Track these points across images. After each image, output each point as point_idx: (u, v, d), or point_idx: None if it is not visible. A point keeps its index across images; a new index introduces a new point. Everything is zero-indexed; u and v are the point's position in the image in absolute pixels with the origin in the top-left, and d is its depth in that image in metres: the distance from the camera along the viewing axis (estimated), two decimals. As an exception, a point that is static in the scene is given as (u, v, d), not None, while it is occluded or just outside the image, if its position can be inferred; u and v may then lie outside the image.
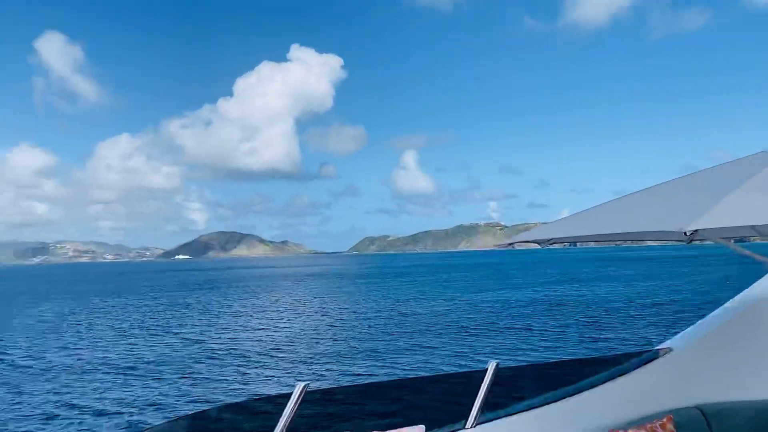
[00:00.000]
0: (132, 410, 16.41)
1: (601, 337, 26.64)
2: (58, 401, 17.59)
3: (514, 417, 4.16)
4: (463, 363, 21.83)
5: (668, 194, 3.65)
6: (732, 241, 4.99)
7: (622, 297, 45.24)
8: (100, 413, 16.18)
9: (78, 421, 15.50)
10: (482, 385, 3.94)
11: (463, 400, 3.97)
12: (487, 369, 3.95)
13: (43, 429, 14.87)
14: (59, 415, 16.05)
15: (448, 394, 4.47)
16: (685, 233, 2.84)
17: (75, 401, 17.52)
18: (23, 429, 14.88)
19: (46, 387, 19.59)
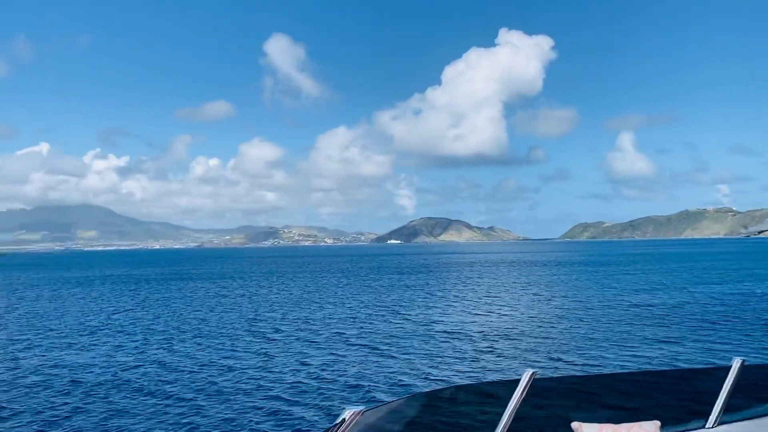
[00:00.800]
0: (370, 384, 17.26)
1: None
2: (304, 372, 19.09)
3: (761, 420, 3.84)
4: (702, 359, 20.17)
5: None
6: None
7: None
8: (344, 386, 17.24)
9: (325, 391, 16.67)
10: (725, 383, 3.69)
11: (704, 398, 3.76)
12: (731, 366, 3.71)
13: (296, 399, 16.19)
14: (306, 384, 17.38)
15: (687, 390, 4.16)
16: None
17: (319, 372, 18.88)
18: (283, 395, 16.35)
19: (294, 359, 21.40)
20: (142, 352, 23.10)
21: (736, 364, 3.72)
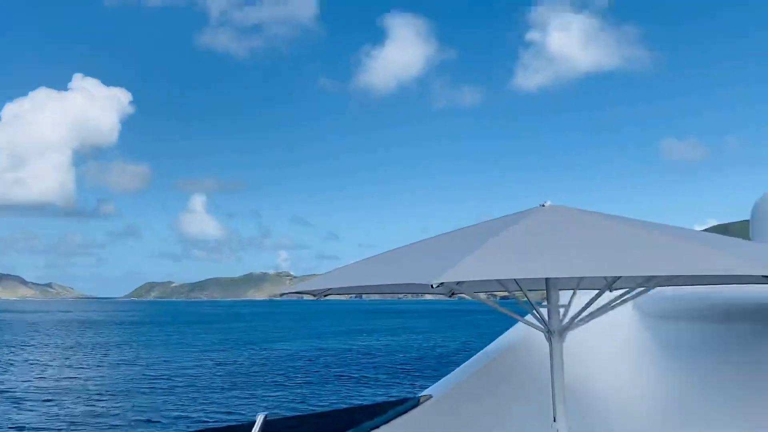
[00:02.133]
0: None
1: (370, 385, 27.55)
2: None
3: None
4: (230, 415, 21.13)
5: (432, 248, 3.54)
6: (488, 295, 4.85)
7: (394, 347, 47.63)
8: None
9: None
10: None
11: None
12: (255, 421, 3.83)
13: None
14: None
15: None
16: (432, 286, 2.56)
17: None
18: None
19: None
20: None
21: (259, 419, 3.80)
